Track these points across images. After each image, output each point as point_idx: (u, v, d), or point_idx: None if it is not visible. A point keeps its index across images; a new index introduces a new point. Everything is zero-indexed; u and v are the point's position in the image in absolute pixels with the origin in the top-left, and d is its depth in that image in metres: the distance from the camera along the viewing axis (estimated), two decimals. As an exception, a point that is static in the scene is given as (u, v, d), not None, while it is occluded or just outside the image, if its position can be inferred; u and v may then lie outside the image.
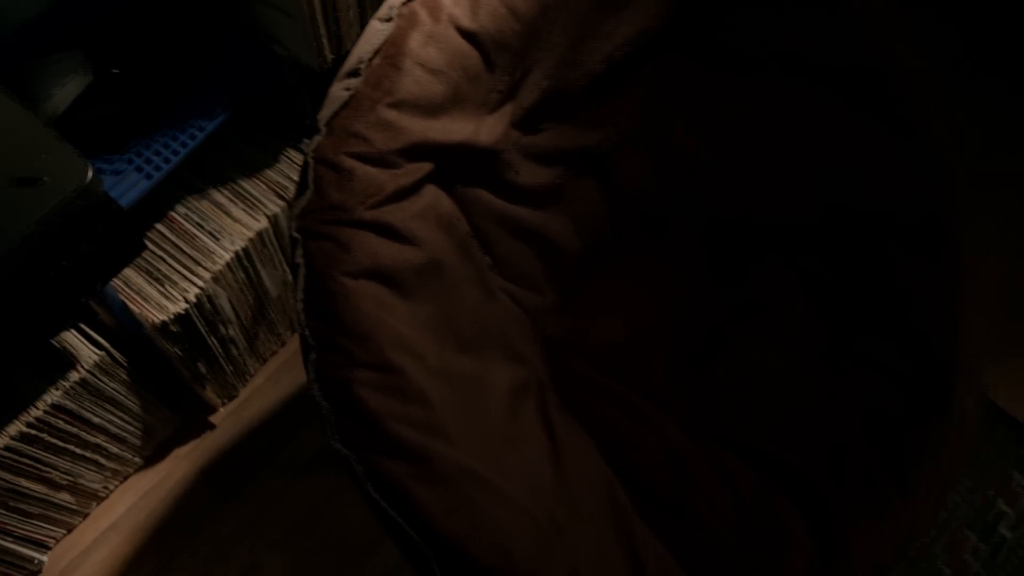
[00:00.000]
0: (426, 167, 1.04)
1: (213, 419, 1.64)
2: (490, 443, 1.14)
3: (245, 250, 1.38)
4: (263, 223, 1.39)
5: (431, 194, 1.07)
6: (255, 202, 1.41)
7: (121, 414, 1.43)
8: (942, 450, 1.22)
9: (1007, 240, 1.76)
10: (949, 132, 1.27)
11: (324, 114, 0.98)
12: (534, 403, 1.26)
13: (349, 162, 0.98)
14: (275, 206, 1.40)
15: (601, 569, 1.10)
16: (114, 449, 1.48)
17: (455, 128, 1.06)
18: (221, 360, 1.52)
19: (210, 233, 1.38)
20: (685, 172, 1.36)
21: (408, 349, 1.04)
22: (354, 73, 0.99)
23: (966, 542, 1.53)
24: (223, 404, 1.64)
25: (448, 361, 1.12)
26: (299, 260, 0.97)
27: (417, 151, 1.02)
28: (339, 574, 1.54)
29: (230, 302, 1.43)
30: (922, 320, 1.28)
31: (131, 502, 1.57)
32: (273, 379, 1.68)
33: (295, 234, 0.97)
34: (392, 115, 0.99)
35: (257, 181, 1.42)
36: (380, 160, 0.99)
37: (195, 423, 1.64)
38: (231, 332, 1.49)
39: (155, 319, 1.31)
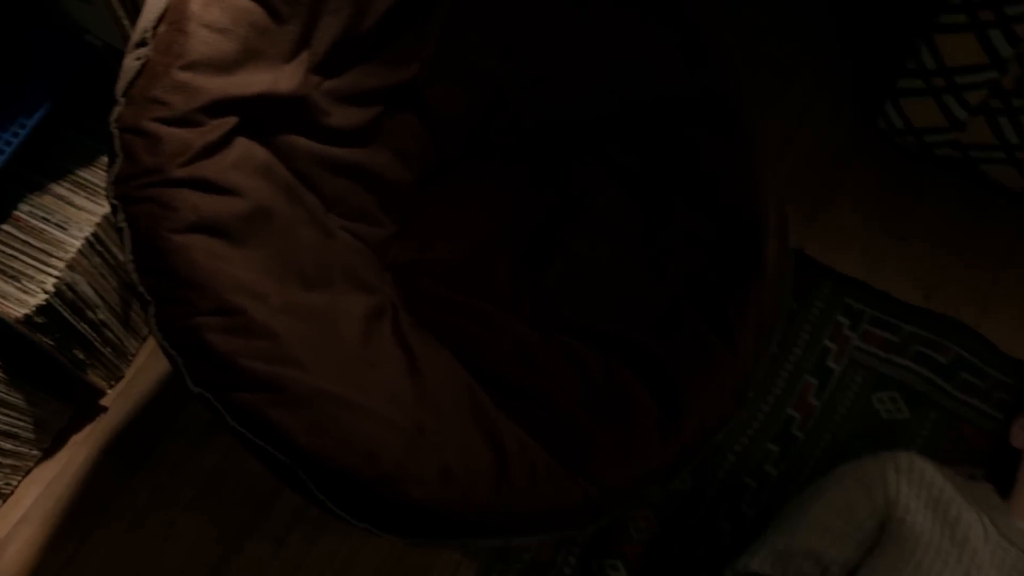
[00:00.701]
0: (231, 121, 1.06)
1: (104, 402, 1.65)
2: (348, 366, 1.18)
3: (95, 235, 1.39)
4: (107, 207, 1.40)
5: (243, 146, 1.09)
6: (96, 188, 1.41)
7: (7, 411, 1.43)
8: (759, 303, 1.31)
9: (813, 114, 1.86)
10: (722, 25, 1.34)
11: (120, 85, 1.00)
12: (389, 326, 1.31)
13: (153, 126, 0.99)
14: (117, 188, 1.40)
15: (468, 460, 1.16)
16: (8, 446, 1.48)
17: (253, 81, 1.08)
18: (97, 344, 1.53)
19: (57, 225, 1.38)
20: (493, 92, 1.40)
21: (248, 292, 1.07)
22: (142, 43, 1.00)
23: (805, 383, 1.63)
24: (111, 386, 1.65)
25: (293, 298, 1.15)
26: (122, 224, 0.99)
27: (219, 107, 1.04)
28: (252, 521, 1.58)
29: (92, 287, 1.43)
30: (726, 192, 1.35)
31: (37, 493, 1.57)
32: (156, 354, 1.69)
33: (114, 201, 0.99)
34: (186, 76, 1.01)
35: (95, 168, 1.42)
36: (183, 120, 1.01)
37: (87, 408, 1.64)
38: (101, 316, 1.49)
39: (17, 314, 1.32)
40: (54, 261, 1.35)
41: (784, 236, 1.36)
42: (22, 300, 1.33)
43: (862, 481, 1.42)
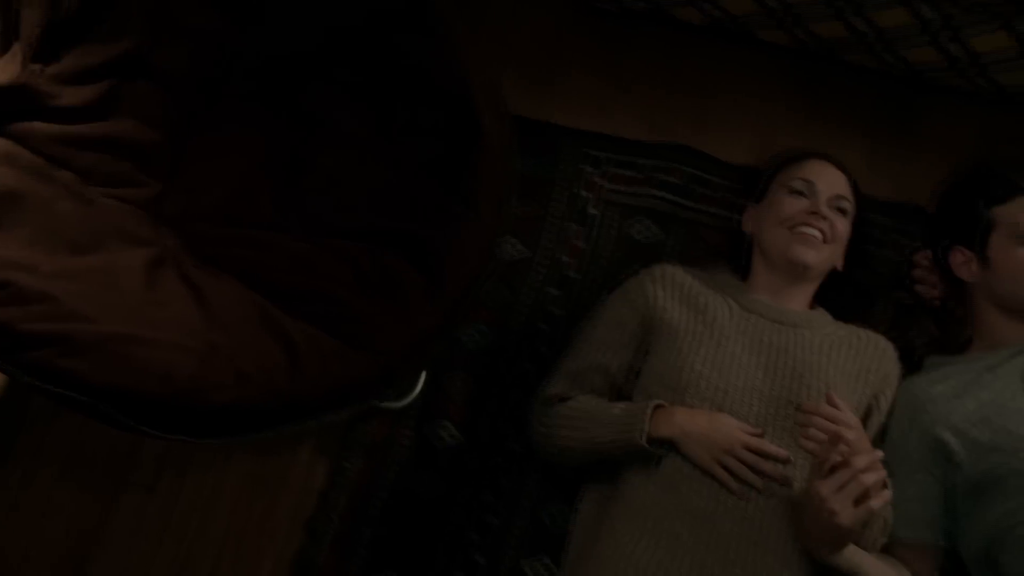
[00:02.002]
0: (-47, 120, 1.11)
1: (-45, 413, 1.69)
2: (134, 311, 1.25)
3: None
4: None
5: (-26, 141, 1.14)
6: None
7: None
8: (489, 169, 1.44)
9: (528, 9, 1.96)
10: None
11: None
12: (173, 271, 1.38)
13: None
14: None
15: (261, 361, 1.26)
16: None
17: (-35, 79, 1.12)
18: (-73, 361, 1.56)
19: None
20: (213, 44, 1.47)
21: (13, 266, 1.14)
22: None
23: (571, 231, 1.77)
24: (-43, 397, 1.68)
25: (66, 264, 1.22)
26: None
27: (-65, 110, 1.09)
28: (120, 478, 1.65)
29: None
30: (439, 81, 1.46)
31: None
32: (-9, 359, 1.72)
33: None
34: None
35: None
36: (-99, 128, 1.06)
37: (-61, 423, 1.68)
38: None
39: None
40: None
41: (500, 108, 1.48)
42: None
43: (626, 298, 1.58)
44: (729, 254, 1.70)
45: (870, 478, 1.22)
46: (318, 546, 1.60)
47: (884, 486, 1.30)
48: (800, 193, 1.55)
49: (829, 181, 1.55)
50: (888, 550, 1.43)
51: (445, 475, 1.62)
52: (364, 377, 1.31)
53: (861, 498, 1.22)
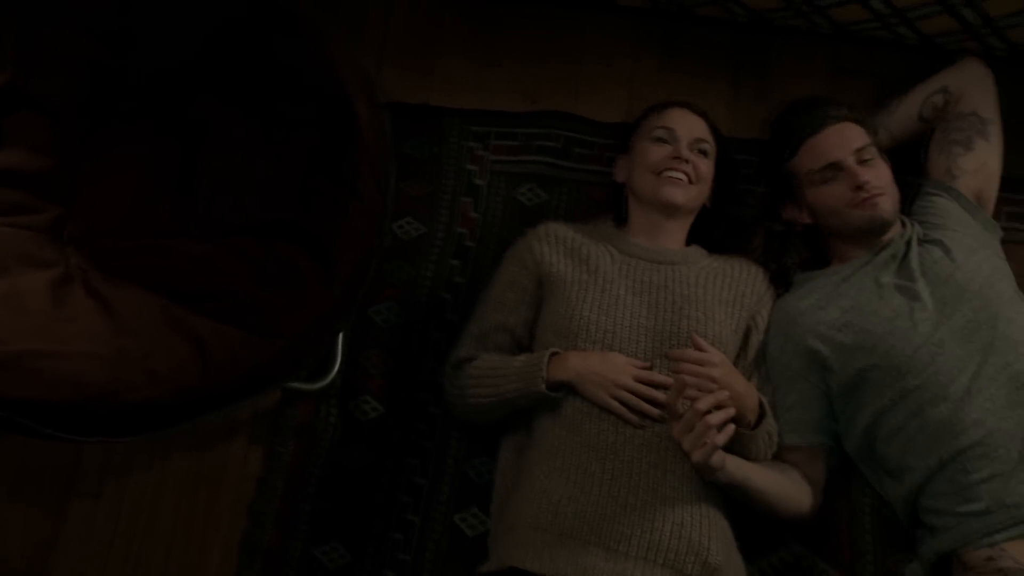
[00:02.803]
0: None
1: None
2: (43, 329, 1.30)
3: None
4: None
5: None
6: None
7: None
8: (367, 154, 1.49)
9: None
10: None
11: None
12: (80, 287, 1.42)
13: None
14: None
15: (171, 360, 1.31)
16: None
17: None
18: None
19: None
20: (88, 67, 1.50)
21: (-84, 300, 1.16)
22: None
23: (463, 203, 1.83)
24: None
25: (-31, 293, 1.25)
26: None
27: None
28: (66, 490, 1.68)
29: None
30: (310, 78, 1.51)
31: None
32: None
33: None
34: None
35: None
36: None
37: None
38: None
39: None
40: None
41: (371, 97, 1.53)
42: None
43: (516, 258, 1.65)
44: (610, 206, 1.77)
45: (715, 418, 1.30)
46: (262, 528, 1.65)
47: (765, 419, 1.45)
48: (663, 140, 1.62)
49: (688, 126, 1.63)
50: (779, 457, 1.52)
51: (372, 446, 1.68)
52: (272, 362, 1.36)
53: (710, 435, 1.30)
